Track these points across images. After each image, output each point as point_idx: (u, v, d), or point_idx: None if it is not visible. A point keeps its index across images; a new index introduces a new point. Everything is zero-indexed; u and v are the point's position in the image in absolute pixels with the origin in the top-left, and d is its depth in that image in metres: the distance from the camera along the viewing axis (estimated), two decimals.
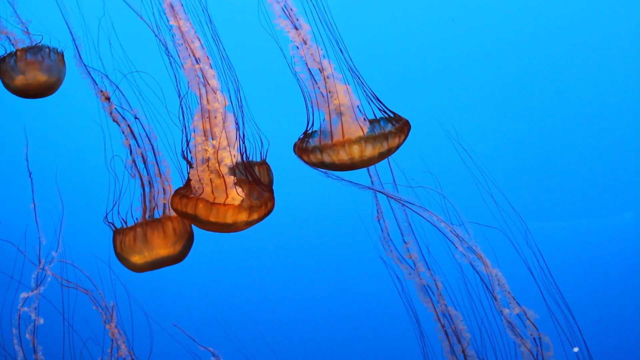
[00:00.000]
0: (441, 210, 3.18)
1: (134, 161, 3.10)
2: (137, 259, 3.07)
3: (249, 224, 2.85)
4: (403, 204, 3.12)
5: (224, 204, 2.77)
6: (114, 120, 3.10)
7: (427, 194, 3.19)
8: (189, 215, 2.82)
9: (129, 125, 3.09)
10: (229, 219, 2.79)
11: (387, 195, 3.20)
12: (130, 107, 3.07)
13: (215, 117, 2.83)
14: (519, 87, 5.38)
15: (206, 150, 2.82)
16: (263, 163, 3.17)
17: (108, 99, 3.06)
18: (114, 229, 3.09)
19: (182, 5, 2.85)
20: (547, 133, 5.39)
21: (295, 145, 2.95)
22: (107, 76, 3.09)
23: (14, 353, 3.80)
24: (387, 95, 2.98)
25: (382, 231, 3.26)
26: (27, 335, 3.74)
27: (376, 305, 5.31)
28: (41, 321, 3.67)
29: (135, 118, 3.06)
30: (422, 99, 5.30)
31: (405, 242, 3.24)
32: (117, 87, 3.07)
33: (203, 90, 2.83)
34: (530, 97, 5.39)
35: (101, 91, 3.08)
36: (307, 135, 2.93)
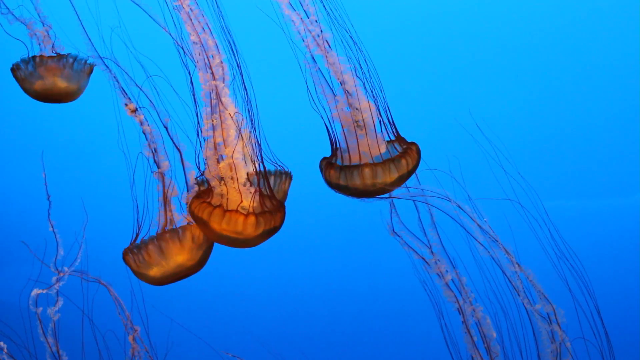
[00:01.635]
0: (453, 192, 3.18)
1: (160, 174, 3.09)
2: (155, 271, 3.07)
3: (260, 236, 2.86)
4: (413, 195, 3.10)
5: (235, 211, 2.80)
6: (143, 132, 3.09)
7: (441, 177, 3.19)
8: (202, 220, 2.84)
9: (148, 136, 3.09)
10: (239, 227, 2.80)
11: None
12: (160, 117, 3.07)
13: (228, 132, 2.85)
14: (536, 62, 5.35)
15: (218, 162, 2.85)
16: (284, 173, 3.18)
17: (134, 110, 3.05)
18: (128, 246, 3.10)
19: (201, 16, 2.86)
20: (563, 112, 5.36)
21: (323, 165, 2.96)
22: (138, 86, 3.08)
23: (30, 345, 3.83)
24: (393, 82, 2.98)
25: (390, 222, 3.25)
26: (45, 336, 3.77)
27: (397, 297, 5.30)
28: (57, 316, 3.68)
29: (165, 127, 3.05)
30: (434, 79, 5.28)
31: (430, 247, 3.23)
32: (148, 98, 3.06)
33: (218, 105, 2.87)
34: (547, 75, 5.36)
35: (127, 104, 3.07)
36: (334, 153, 2.95)
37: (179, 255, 3.05)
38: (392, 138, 2.99)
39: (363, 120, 2.87)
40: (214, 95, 2.86)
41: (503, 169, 3.34)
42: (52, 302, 3.67)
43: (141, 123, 3.11)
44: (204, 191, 2.94)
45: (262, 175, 2.93)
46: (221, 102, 2.86)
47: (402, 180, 2.90)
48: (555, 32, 5.42)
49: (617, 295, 5.09)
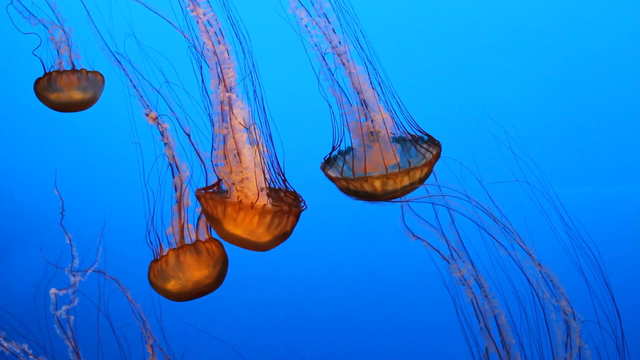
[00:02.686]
0: (464, 180, 3.18)
1: (180, 181, 3.13)
2: (172, 284, 3.11)
3: (273, 239, 2.88)
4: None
5: (250, 206, 2.81)
6: (165, 142, 3.12)
7: (452, 165, 3.19)
8: (215, 218, 2.86)
9: (167, 144, 3.11)
10: (254, 223, 2.82)
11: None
12: (181, 127, 3.09)
13: (240, 138, 2.89)
14: (547, 45, 5.33)
15: (231, 170, 2.88)
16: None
17: (155, 119, 3.08)
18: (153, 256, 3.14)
19: (216, 25, 2.90)
20: (575, 97, 5.35)
21: (322, 167, 2.97)
22: (157, 91, 3.11)
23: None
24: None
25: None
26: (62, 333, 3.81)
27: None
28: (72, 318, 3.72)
29: (187, 134, 3.07)
30: (447, 66, 5.27)
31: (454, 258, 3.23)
32: (168, 106, 3.08)
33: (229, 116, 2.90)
34: (560, 58, 5.35)
35: (147, 113, 3.10)
36: (334, 155, 2.97)
37: (196, 270, 3.11)
38: (410, 136, 3.00)
39: (377, 132, 2.88)
40: (225, 104, 2.88)
41: (512, 151, 3.34)
42: (67, 301, 3.72)
43: (162, 132, 3.13)
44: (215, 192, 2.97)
45: (277, 177, 2.96)
46: (232, 110, 2.88)
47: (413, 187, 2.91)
48: (569, 14, 5.40)
49: (631, 280, 5.08)
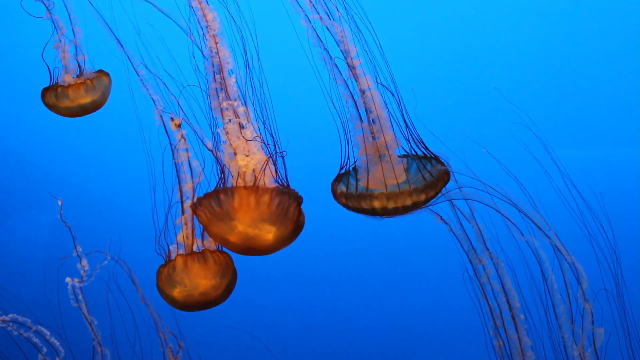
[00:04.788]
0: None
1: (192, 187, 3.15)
2: (178, 291, 3.12)
3: (279, 239, 2.88)
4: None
5: (256, 186, 2.82)
6: (185, 149, 3.14)
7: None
8: (220, 216, 2.86)
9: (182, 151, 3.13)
10: (261, 204, 2.81)
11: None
12: (204, 137, 3.10)
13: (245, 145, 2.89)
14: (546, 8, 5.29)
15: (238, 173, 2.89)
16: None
17: (179, 125, 3.10)
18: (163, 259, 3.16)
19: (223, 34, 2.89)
20: (573, 58, 5.33)
21: (333, 189, 2.96)
22: (175, 98, 3.11)
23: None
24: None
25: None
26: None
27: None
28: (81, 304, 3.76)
29: (210, 149, 3.07)
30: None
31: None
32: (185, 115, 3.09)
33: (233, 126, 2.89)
34: (558, 22, 5.31)
35: (172, 118, 3.13)
36: (343, 174, 2.95)
37: (202, 278, 3.11)
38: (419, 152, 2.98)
39: (387, 152, 2.87)
40: (230, 111, 2.90)
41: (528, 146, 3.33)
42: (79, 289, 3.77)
43: (181, 138, 3.16)
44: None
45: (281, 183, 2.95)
46: (237, 115, 2.90)
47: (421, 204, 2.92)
48: None
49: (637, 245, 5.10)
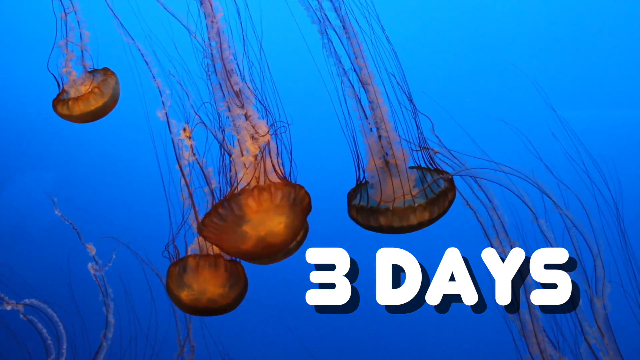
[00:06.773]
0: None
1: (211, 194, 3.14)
2: (186, 294, 3.12)
3: (291, 228, 2.89)
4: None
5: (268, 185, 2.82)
6: (197, 161, 3.14)
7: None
8: (232, 219, 2.85)
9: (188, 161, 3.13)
10: (273, 199, 2.82)
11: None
12: (220, 143, 3.08)
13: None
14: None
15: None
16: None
17: (189, 136, 3.09)
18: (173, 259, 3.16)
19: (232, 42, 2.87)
20: (577, 20, 5.28)
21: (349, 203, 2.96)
22: (195, 112, 3.10)
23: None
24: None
25: None
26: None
27: None
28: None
29: (226, 155, 3.06)
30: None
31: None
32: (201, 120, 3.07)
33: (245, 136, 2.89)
34: None
35: (184, 128, 3.12)
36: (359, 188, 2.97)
37: (211, 284, 3.11)
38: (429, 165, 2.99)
39: (397, 166, 2.87)
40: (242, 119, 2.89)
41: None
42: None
43: (189, 148, 3.16)
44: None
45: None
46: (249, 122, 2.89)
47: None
48: None
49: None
